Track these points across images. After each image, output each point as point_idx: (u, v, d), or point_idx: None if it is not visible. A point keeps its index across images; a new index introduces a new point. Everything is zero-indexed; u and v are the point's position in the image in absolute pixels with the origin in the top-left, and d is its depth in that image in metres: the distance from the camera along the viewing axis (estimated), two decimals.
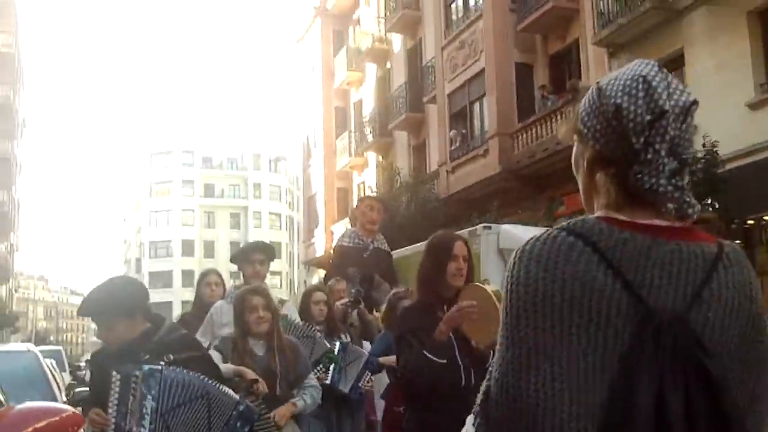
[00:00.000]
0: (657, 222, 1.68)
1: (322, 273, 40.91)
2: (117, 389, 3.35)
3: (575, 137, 1.83)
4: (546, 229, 1.74)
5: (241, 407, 3.45)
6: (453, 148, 24.48)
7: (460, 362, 3.96)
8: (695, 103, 1.71)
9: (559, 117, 19.75)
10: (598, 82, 1.78)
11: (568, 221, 1.73)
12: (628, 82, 1.72)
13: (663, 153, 1.68)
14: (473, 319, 3.82)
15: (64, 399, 7.79)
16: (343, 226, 34.73)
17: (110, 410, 3.36)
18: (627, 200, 1.71)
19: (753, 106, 15.29)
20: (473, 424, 1.74)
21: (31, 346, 8.74)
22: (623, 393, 1.55)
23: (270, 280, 50.22)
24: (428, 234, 18.70)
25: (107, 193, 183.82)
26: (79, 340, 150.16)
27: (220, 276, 7.26)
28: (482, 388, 1.73)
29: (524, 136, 21.24)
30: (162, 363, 3.43)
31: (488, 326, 3.57)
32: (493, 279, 12.60)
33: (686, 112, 1.70)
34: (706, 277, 1.64)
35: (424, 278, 4.24)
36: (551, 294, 1.59)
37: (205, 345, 5.69)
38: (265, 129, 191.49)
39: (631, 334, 1.57)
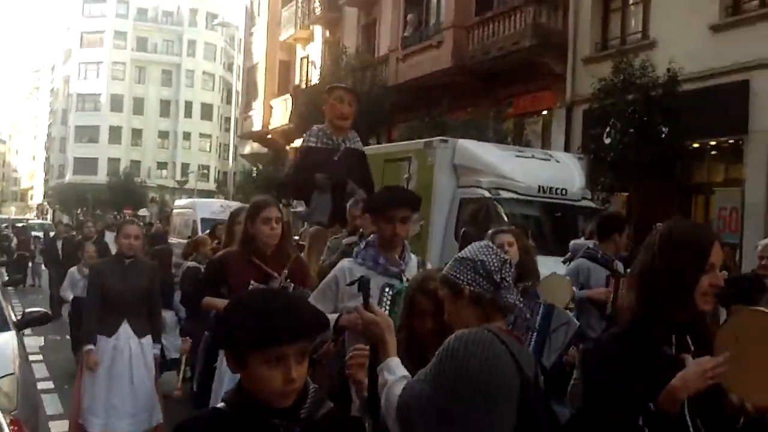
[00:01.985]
0: (510, 330, 2.91)
1: (256, 146, 40.48)
2: None
3: (448, 299, 2.96)
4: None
5: None
6: (406, 34, 23.95)
7: (689, 423, 2.67)
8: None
9: (518, 15, 19.41)
10: (457, 257, 2.99)
11: (489, 328, 2.78)
12: (481, 248, 2.96)
13: (512, 282, 2.91)
14: (743, 364, 2.57)
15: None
16: (281, 103, 34.27)
17: None
18: (488, 316, 2.85)
19: (716, 29, 15.19)
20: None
21: None
22: (527, 411, 2.71)
23: (199, 143, 49.65)
24: (374, 123, 18.72)
25: (37, 39, 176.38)
26: None
27: (281, 210, 5.58)
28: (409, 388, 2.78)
29: (480, 31, 20.83)
30: None
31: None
32: (444, 192, 12.71)
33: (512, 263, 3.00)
34: (535, 364, 2.96)
35: (651, 291, 2.81)
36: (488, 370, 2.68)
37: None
38: None
39: (520, 387, 2.71)
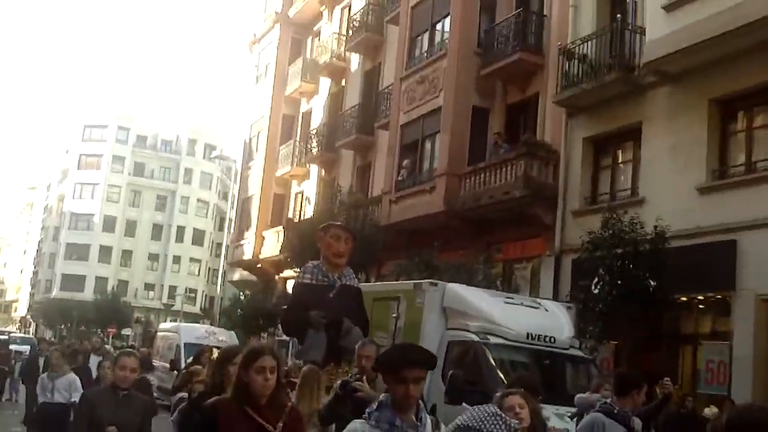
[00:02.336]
0: None
1: (245, 273, 40.45)
2: None
3: None
4: None
5: None
6: (399, 178, 24.32)
7: None
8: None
9: (509, 167, 19.77)
10: (461, 424, 2.92)
11: None
12: (488, 417, 2.91)
13: None
14: None
15: None
16: (273, 234, 34.41)
17: None
18: None
19: (702, 191, 15.50)
20: None
21: None
22: None
23: (188, 267, 49.72)
24: (365, 260, 18.91)
25: (35, 158, 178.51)
26: None
27: (277, 358, 5.17)
28: None
29: (472, 179, 21.18)
30: None
31: None
32: (432, 334, 12.57)
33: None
34: None
35: None
36: None
37: None
38: (205, 117, 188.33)
39: None
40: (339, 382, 6.52)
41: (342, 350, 7.23)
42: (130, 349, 10.95)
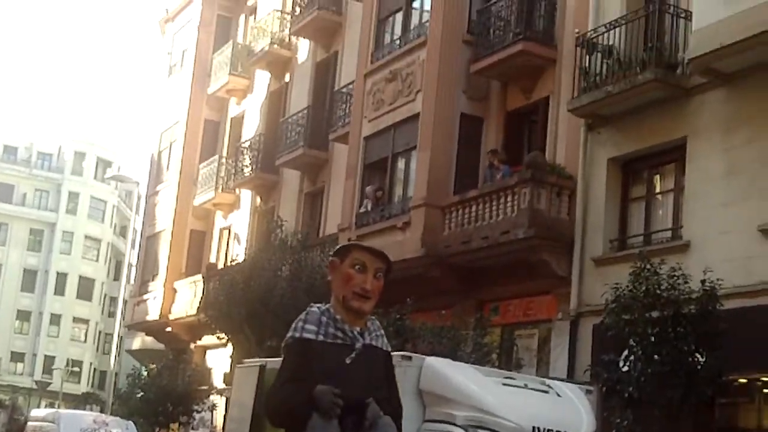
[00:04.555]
0: None
1: (149, 340, 40.18)
2: None
3: None
4: None
5: None
6: (362, 210, 24.42)
7: None
8: None
9: (510, 197, 19.92)
10: None
11: None
12: None
13: None
14: None
15: None
16: (189, 286, 34.28)
17: None
18: None
19: (767, 232, 15.72)
20: None
21: None
22: None
23: (71, 330, 49.50)
24: None
25: None
26: None
27: None
28: None
29: (460, 213, 21.30)
30: None
31: None
32: (405, 428, 12.57)
33: None
34: None
35: None
36: None
37: None
38: (97, 122, 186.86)
39: None
40: None
41: None
42: None
